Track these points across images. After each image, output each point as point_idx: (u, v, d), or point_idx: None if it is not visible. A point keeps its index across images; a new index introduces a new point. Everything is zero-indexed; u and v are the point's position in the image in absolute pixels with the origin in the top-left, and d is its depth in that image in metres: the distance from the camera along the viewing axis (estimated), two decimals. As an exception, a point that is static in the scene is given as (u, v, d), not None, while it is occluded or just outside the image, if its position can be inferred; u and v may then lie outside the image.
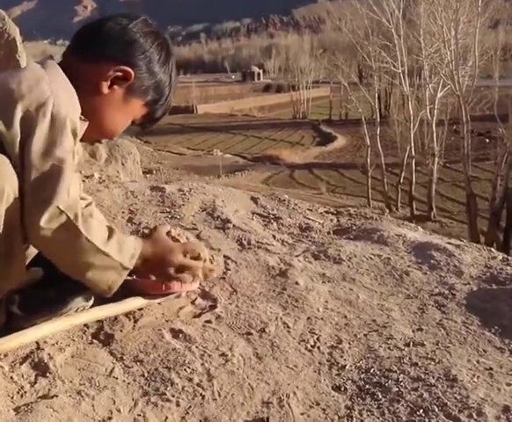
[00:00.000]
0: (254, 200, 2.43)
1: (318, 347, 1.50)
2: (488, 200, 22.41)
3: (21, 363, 1.35)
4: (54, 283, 1.42)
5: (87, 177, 3.42)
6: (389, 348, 1.50)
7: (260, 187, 31.16)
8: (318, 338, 1.54)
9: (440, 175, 28.59)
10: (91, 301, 1.45)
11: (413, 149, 27.86)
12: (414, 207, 27.17)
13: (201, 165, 34.33)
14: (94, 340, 1.47)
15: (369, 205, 28.94)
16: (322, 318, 1.63)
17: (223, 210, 2.25)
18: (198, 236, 2.06)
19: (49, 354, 1.38)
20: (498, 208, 20.98)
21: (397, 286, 1.81)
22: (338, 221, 2.33)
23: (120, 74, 1.37)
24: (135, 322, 1.54)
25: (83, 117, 1.33)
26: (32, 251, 1.41)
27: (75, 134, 1.27)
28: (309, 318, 1.62)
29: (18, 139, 1.20)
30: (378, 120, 30.44)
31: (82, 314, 1.45)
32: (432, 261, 1.92)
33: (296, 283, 1.79)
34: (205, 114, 59.23)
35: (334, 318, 1.63)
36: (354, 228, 2.24)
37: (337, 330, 1.58)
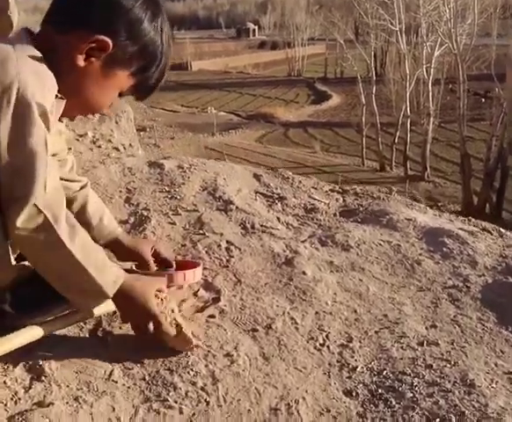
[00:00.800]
0: (257, 177, 2.32)
1: (328, 346, 1.42)
2: (482, 161, 22.31)
3: (15, 366, 1.27)
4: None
5: (80, 135, 3.29)
6: (402, 348, 1.43)
7: (254, 145, 30.91)
8: (327, 336, 1.46)
9: (435, 135, 28.46)
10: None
11: (408, 109, 27.60)
12: (408, 166, 27.09)
13: (195, 123, 33.88)
14: (92, 338, 1.38)
15: (363, 164, 28.85)
16: (331, 313, 1.55)
17: (224, 189, 2.14)
18: (199, 219, 1.96)
19: (44, 355, 1.30)
20: (492, 169, 20.92)
21: (408, 277, 1.73)
22: (344, 200, 2.24)
23: (94, 45, 1.18)
24: (135, 318, 1.45)
25: (59, 95, 1.19)
26: None
27: (46, 118, 1.13)
28: (317, 313, 1.54)
29: None
30: (374, 78, 30.01)
31: (78, 313, 1.36)
32: (444, 249, 1.84)
33: (304, 273, 1.70)
34: (199, 71, 58.19)
35: (344, 313, 1.56)
36: (361, 209, 2.15)
37: (347, 326, 1.51)
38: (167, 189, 2.16)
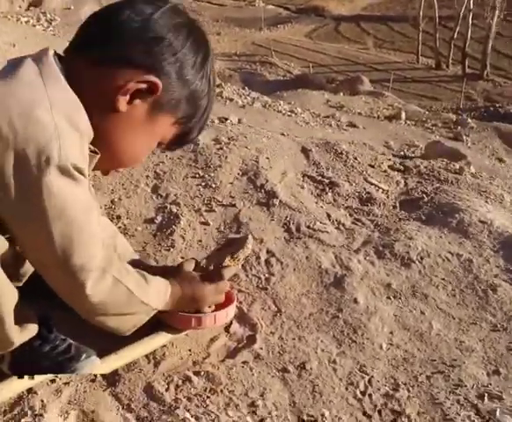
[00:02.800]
0: (305, 152, 2.01)
1: (370, 395, 1.20)
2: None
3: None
4: (50, 339, 1.12)
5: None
6: (458, 401, 1.20)
7: (303, 41, 29.64)
8: (369, 381, 1.23)
9: (498, 29, 26.65)
10: (98, 362, 1.15)
11: (471, 1, 25.73)
12: (467, 64, 25.64)
13: (243, 17, 32.44)
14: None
15: (417, 61, 27.54)
16: (379, 358, 1.31)
17: (267, 175, 1.85)
18: (236, 218, 1.69)
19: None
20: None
21: (480, 309, 1.46)
22: (405, 184, 1.93)
23: (143, 86, 0.99)
24: (156, 365, 1.25)
25: (92, 147, 0.98)
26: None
27: (83, 175, 0.93)
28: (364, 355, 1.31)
29: (12, 195, 0.87)
30: (436, -34, 27.87)
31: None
32: (527, 270, 1.54)
33: (355, 301, 1.45)
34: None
35: (396, 354, 1.32)
36: (426, 199, 1.84)
37: (393, 367, 1.27)
38: (201, 174, 1.88)
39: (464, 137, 11.31)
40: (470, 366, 1.28)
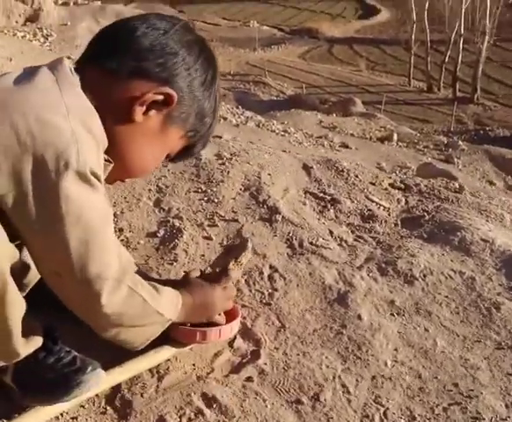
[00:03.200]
0: (307, 169, 2.01)
1: (386, 428, 1.18)
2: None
3: None
4: (54, 350, 1.10)
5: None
6: (476, 436, 1.18)
7: (297, 62, 29.89)
8: (384, 413, 1.22)
9: (488, 54, 27.03)
10: (104, 374, 1.13)
11: (462, 26, 26.09)
12: (457, 88, 25.94)
13: (237, 37, 32.73)
14: (108, 409, 1.17)
15: (409, 84, 27.87)
16: (390, 378, 1.30)
17: (269, 191, 1.85)
18: (239, 233, 1.69)
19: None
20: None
21: (484, 326, 1.45)
22: (406, 202, 1.93)
23: (160, 97, 1.02)
24: (160, 380, 1.24)
25: (106, 157, 0.98)
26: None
27: (100, 181, 0.94)
28: (374, 378, 1.30)
29: (29, 200, 0.87)
30: (427, -9, 28.27)
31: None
32: (529, 288, 1.55)
33: (359, 317, 1.44)
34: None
35: (405, 378, 1.30)
36: (427, 217, 1.85)
37: (409, 398, 1.26)
38: (203, 188, 1.88)
39: (456, 159, 11.41)
40: (487, 396, 1.26)
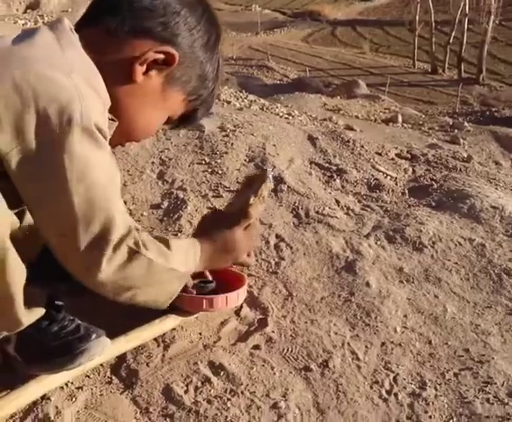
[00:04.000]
0: (312, 140, 1.98)
1: (396, 395, 1.16)
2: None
3: (22, 420, 1.06)
4: (59, 318, 1.08)
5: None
6: (488, 401, 1.15)
7: (300, 45, 29.68)
8: (394, 379, 1.19)
9: (494, 34, 26.76)
10: (108, 342, 1.11)
11: (467, 6, 25.81)
12: (463, 69, 25.71)
13: (239, 21, 32.51)
14: (113, 379, 1.15)
15: (413, 66, 27.66)
16: (400, 344, 1.28)
17: (274, 161, 1.82)
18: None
19: (57, 407, 1.08)
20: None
21: (494, 292, 1.43)
22: (413, 171, 1.90)
23: (161, 56, 0.98)
24: (166, 349, 1.22)
25: (111, 116, 0.95)
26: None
27: (105, 138, 0.91)
28: (383, 344, 1.27)
29: (33, 156, 0.84)
30: (431, -29, 27.96)
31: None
32: (541, 254, 1.52)
33: (367, 284, 1.42)
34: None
35: (415, 345, 1.28)
36: (435, 186, 1.81)
37: (419, 364, 1.23)
38: (207, 160, 1.85)
39: (461, 140, 11.32)
40: (499, 361, 1.23)
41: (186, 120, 1.13)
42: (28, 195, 0.89)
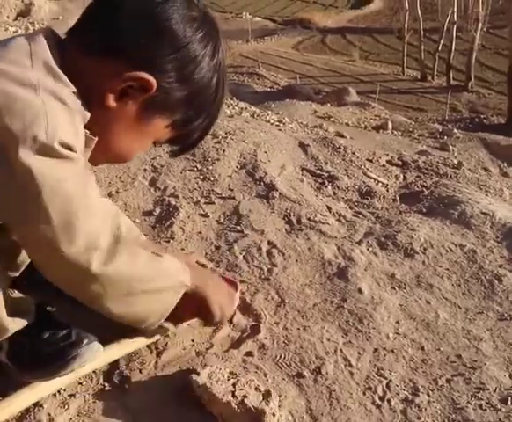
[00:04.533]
0: (303, 147, 1.98)
1: (389, 401, 1.16)
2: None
3: None
4: (50, 324, 1.08)
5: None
6: (480, 407, 1.16)
7: (290, 53, 29.80)
8: (387, 385, 1.19)
9: (482, 42, 26.99)
10: (101, 348, 1.10)
11: (455, 14, 26.04)
12: (451, 76, 25.91)
13: (230, 29, 32.56)
14: (106, 386, 1.14)
15: (403, 73, 27.85)
16: (392, 350, 1.28)
17: (266, 168, 1.82)
18: (236, 210, 1.66)
19: (49, 414, 1.07)
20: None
21: (486, 298, 1.44)
22: (404, 178, 1.91)
23: (132, 83, 0.90)
24: (158, 355, 1.21)
25: (88, 133, 0.91)
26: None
27: (74, 151, 0.86)
28: (376, 350, 1.28)
29: (2, 177, 0.82)
30: (419, -20, 28.18)
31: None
32: (531, 260, 1.53)
33: (359, 291, 1.42)
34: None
35: (408, 351, 1.28)
36: (426, 192, 1.82)
37: (412, 370, 1.24)
38: (199, 167, 1.85)
39: (451, 147, 11.38)
40: (491, 367, 1.24)
41: (177, 144, 1.06)
42: (5, 219, 0.87)
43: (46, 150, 0.81)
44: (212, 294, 1.19)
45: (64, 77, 0.87)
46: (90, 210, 0.90)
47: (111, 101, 0.91)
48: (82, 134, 0.89)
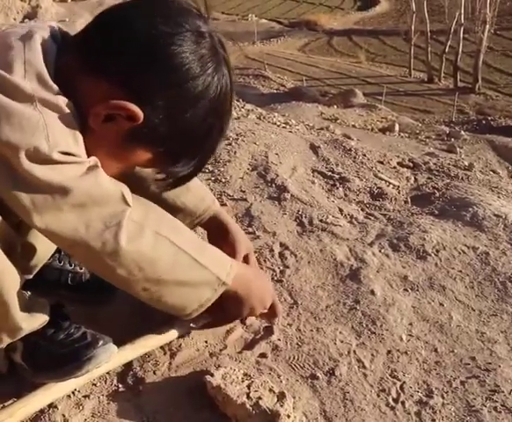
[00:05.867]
0: (314, 149, 1.99)
1: (403, 403, 1.16)
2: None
3: None
4: (65, 326, 1.08)
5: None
6: (495, 409, 1.15)
7: (296, 54, 29.81)
8: (401, 387, 1.19)
9: (489, 43, 26.91)
10: (115, 349, 1.11)
11: (462, 15, 25.97)
12: (459, 78, 25.83)
13: (236, 31, 32.61)
14: (120, 387, 1.15)
15: (410, 75, 27.80)
16: (406, 352, 1.28)
17: (277, 170, 1.82)
18: (248, 212, 1.66)
19: (64, 415, 1.07)
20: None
21: (500, 300, 1.43)
22: (415, 180, 1.91)
23: (120, 112, 0.88)
24: (172, 357, 1.21)
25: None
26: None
27: (77, 156, 0.86)
28: (389, 352, 1.27)
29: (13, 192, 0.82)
30: (427, -19, 28.14)
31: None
32: (545, 262, 1.52)
33: (372, 292, 1.42)
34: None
35: (421, 352, 1.28)
36: (438, 194, 1.82)
37: (426, 372, 1.23)
38: (210, 169, 1.85)
39: (458, 149, 11.34)
40: (505, 369, 1.23)
41: (164, 177, 1.01)
42: (27, 222, 0.86)
43: (50, 160, 0.81)
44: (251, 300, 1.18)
45: (56, 89, 0.86)
46: (106, 196, 0.90)
47: (95, 123, 0.89)
48: (81, 139, 0.88)
